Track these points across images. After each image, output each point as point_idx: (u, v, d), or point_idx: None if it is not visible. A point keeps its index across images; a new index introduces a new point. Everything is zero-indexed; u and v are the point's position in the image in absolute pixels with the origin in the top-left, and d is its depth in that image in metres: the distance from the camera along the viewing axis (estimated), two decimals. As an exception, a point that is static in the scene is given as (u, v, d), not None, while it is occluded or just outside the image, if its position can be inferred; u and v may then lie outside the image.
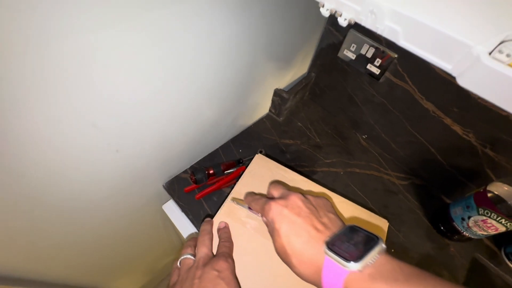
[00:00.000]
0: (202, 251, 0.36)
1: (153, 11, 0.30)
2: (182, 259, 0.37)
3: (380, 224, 0.44)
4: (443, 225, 0.59)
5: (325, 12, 0.23)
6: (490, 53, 0.15)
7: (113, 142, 0.39)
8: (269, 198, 0.37)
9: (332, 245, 0.28)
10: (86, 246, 0.56)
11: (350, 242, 0.27)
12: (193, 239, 0.40)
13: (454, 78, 0.19)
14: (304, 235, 0.30)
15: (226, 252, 0.37)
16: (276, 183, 0.40)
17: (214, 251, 0.38)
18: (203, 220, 0.43)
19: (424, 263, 0.56)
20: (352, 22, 0.22)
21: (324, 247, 0.28)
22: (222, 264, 0.34)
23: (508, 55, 0.15)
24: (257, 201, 0.38)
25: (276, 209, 0.33)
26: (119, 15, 0.28)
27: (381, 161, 0.72)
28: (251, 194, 0.42)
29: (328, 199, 0.36)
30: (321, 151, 0.71)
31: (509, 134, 0.50)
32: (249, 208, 0.40)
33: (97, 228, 0.54)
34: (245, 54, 0.50)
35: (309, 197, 0.35)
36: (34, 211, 0.38)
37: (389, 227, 0.60)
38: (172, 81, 0.41)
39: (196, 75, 0.44)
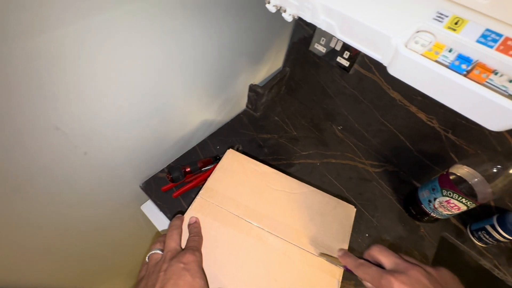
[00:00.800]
0: (170, 245, 0.37)
1: (109, 12, 0.30)
2: (150, 254, 0.38)
3: (348, 210, 0.46)
4: (413, 208, 0.62)
5: (271, 8, 0.24)
6: (407, 43, 0.17)
7: (80, 145, 0.39)
8: (381, 268, 0.33)
9: None
10: (65, 249, 0.55)
11: None
12: (164, 235, 0.40)
13: None
14: None
15: (194, 245, 0.37)
16: (384, 248, 0.35)
17: (184, 246, 0.39)
18: (173, 216, 0.44)
19: (397, 245, 0.59)
20: (296, 17, 0.23)
21: None
22: (188, 257, 0.35)
23: (422, 45, 0.17)
24: (366, 270, 0.33)
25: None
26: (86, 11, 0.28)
27: (355, 150, 0.74)
28: (350, 256, 0.37)
29: (449, 272, 0.33)
30: (298, 144, 0.73)
31: (467, 118, 0.53)
32: (346, 268, 0.36)
33: (75, 231, 0.53)
34: (215, 53, 0.50)
35: (430, 270, 0.31)
36: (3, 217, 0.37)
37: (363, 213, 0.63)
38: (142, 82, 0.41)
39: (167, 75, 0.44)
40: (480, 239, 0.60)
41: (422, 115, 0.59)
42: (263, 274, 0.37)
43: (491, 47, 0.15)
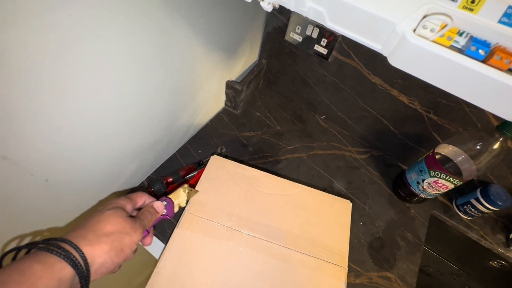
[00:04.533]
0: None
1: (57, 11, 0.25)
2: None
3: (344, 206, 0.45)
4: (402, 191, 0.62)
5: (247, -3, 0.20)
6: (414, 29, 0.14)
7: (37, 172, 0.33)
8: None
9: None
10: None
11: None
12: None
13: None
14: None
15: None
16: None
17: None
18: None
19: (390, 230, 0.59)
20: (276, 6, 0.20)
21: None
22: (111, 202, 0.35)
23: (432, 30, 0.14)
24: None
25: None
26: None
27: (340, 139, 0.73)
28: None
29: None
30: (283, 138, 0.71)
31: (446, 98, 0.53)
32: None
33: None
34: (181, 50, 0.45)
35: None
36: None
37: (355, 201, 0.62)
38: (112, 96, 0.36)
39: (132, 82, 0.39)
40: (466, 213, 0.62)
41: (403, 98, 0.58)
42: (265, 287, 0.35)
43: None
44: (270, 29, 0.67)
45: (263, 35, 0.70)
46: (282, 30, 0.65)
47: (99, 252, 0.29)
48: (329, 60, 0.63)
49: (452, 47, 0.14)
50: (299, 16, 0.60)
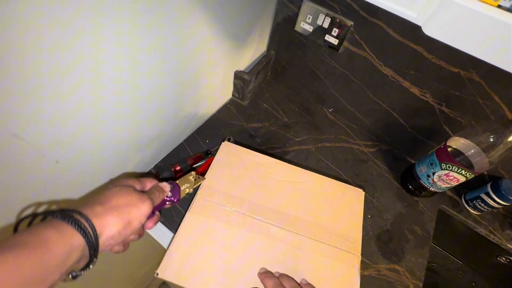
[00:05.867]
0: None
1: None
2: None
3: (357, 194, 0.44)
4: (411, 184, 0.62)
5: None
6: (459, -9, 0.14)
7: (48, 153, 0.33)
8: None
9: None
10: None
11: None
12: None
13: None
14: None
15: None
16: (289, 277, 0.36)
17: None
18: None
19: (398, 223, 0.59)
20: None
21: None
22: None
23: (478, -8, 0.13)
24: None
25: None
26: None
27: (349, 132, 0.73)
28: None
29: None
30: (290, 130, 0.70)
31: (460, 90, 0.53)
32: None
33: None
34: (191, 37, 0.45)
35: None
36: None
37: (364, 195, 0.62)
38: (118, 81, 0.35)
39: (142, 66, 0.38)
40: (475, 208, 0.61)
41: (415, 90, 0.57)
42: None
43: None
44: (279, 19, 0.67)
45: (273, 25, 0.69)
46: (292, 20, 0.64)
47: (107, 224, 0.29)
48: (340, 51, 0.62)
49: (500, 7, 0.13)
50: (311, 5, 0.59)
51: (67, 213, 0.27)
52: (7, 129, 0.27)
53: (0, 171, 0.29)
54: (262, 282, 0.35)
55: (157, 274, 0.33)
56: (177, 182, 0.42)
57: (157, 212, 0.39)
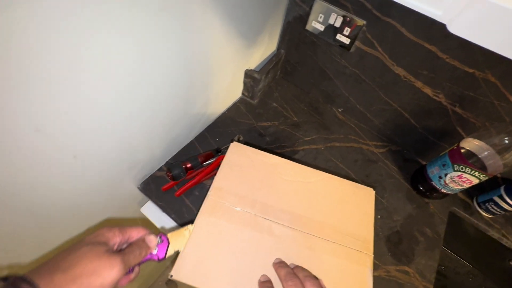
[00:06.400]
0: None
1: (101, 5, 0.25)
2: None
3: (367, 194, 0.44)
4: (422, 186, 0.61)
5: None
6: (488, -11, 0.14)
7: (67, 148, 0.34)
8: None
9: None
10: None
11: None
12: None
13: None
14: None
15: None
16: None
17: None
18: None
19: (408, 224, 0.58)
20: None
21: None
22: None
23: (506, -11, 0.13)
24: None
25: None
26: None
27: (358, 132, 0.72)
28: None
29: None
30: (299, 130, 0.70)
31: (474, 90, 0.52)
32: None
33: (70, 238, 0.48)
34: (204, 35, 0.45)
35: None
36: None
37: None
38: (130, 77, 0.36)
39: (155, 66, 0.39)
40: (487, 211, 0.60)
41: (428, 90, 0.57)
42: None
43: None
44: (290, 18, 0.67)
45: (283, 24, 0.69)
46: (303, 19, 0.64)
47: None
48: (351, 50, 0.61)
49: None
50: (323, 4, 0.58)
51: (16, 282, 0.23)
52: (31, 125, 0.28)
53: (23, 165, 0.30)
54: (276, 271, 0.34)
55: (171, 276, 0.34)
56: (169, 235, 0.36)
57: (136, 268, 0.34)
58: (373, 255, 0.37)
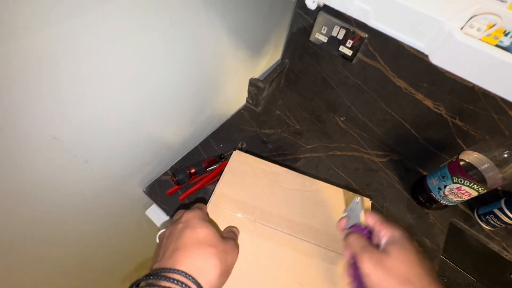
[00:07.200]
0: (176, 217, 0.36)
1: (108, 4, 0.27)
2: (159, 234, 0.36)
3: (364, 203, 0.45)
4: (421, 196, 0.62)
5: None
6: (461, 28, 0.15)
7: (79, 153, 0.36)
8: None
9: None
10: (69, 260, 0.53)
11: None
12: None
13: (425, 55, 0.19)
14: None
15: (196, 206, 0.36)
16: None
17: None
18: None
19: (408, 234, 0.58)
20: (321, 4, 0.21)
21: None
22: (186, 215, 0.34)
23: (479, 29, 0.15)
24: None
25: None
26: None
27: (360, 141, 0.73)
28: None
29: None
30: (302, 137, 0.71)
31: (474, 104, 0.53)
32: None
33: (77, 240, 0.50)
34: (212, 46, 0.47)
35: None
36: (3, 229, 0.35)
37: (372, 204, 0.62)
38: (139, 85, 0.38)
39: (164, 75, 0.41)
40: (488, 223, 0.60)
41: (428, 103, 0.58)
42: (287, 279, 0.36)
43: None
44: (295, 29, 0.69)
45: (288, 35, 0.71)
46: (307, 30, 0.66)
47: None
48: (353, 61, 0.63)
49: (498, 46, 0.15)
50: (326, 17, 0.60)
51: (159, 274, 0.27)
52: (48, 132, 0.30)
53: (39, 170, 0.33)
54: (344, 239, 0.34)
55: None
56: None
57: None
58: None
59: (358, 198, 0.37)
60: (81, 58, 0.28)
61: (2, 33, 0.21)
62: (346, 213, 0.38)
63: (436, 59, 0.18)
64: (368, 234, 0.35)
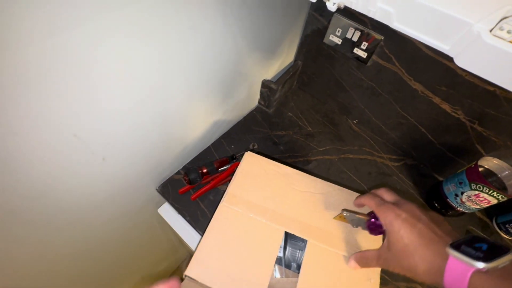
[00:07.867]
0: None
1: (128, 7, 0.28)
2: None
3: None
4: (437, 202, 0.60)
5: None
6: (491, 31, 0.15)
7: (98, 151, 0.37)
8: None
9: (457, 248, 0.29)
10: (81, 257, 0.54)
11: (474, 247, 0.28)
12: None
13: (443, 57, 0.18)
14: (426, 237, 0.32)
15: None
16: (389, 189, 0.41)
17: None
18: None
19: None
20: (342, 6, 0.21)
21: (449, 249, 0.30)
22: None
23: (509, 32, 0.14)
24: (371, 199, 0.39)
25: (394, 212, 0.35)
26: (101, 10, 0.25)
27: (373, 144, 0.72)
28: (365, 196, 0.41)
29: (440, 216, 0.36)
30: (313, 140, 0.71)
31: (496, 108, 0.51)
32: (370, 220, 0.40)
33: (91, 237, 0.52)
34: (228, 48, 0.48)
35: (423, 209, 0.36)
36: (12, 228, 0.36)
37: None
38: (156, 85, 0.39)
39: (181, 77, 0.42)
40: (508, 232, 0.58)
41: (446, 106, 0.56)
42: (297, 282, 0.35)
43: None
44: (309, 31, 0.68)
45: (301, 37, 0.71)
46: (321, 32, 0.66)
47: None
48: (368, 64, 0.62)
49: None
50: (340, 18, 0.60)
51: None
52: (70, 130, 0.31)
53: (59, 167, 0.34)
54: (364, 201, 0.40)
55: (186, 276, 0.36)
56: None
57: None
58: (380, 268, 0.37)
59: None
60: (106, 57, 0.29)
61: (41, 31, 0.22)
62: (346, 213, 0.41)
63: (462, 62, 0.17)
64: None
